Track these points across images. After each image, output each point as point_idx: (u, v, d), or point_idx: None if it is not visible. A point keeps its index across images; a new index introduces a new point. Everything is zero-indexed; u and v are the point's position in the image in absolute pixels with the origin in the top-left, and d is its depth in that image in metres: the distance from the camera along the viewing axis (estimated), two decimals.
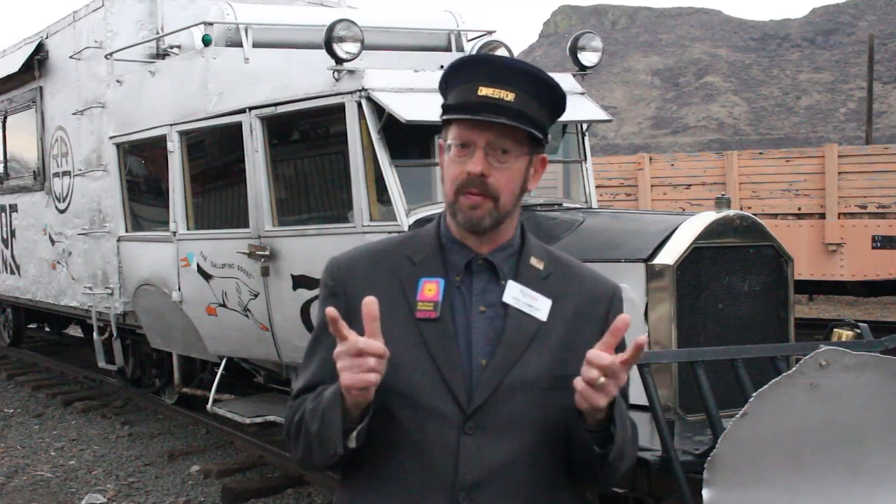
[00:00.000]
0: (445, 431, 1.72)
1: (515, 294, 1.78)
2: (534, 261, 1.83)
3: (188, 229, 6.52)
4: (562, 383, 1.72)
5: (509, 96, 1.72)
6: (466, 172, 1.72)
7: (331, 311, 1.59)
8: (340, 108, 5.27)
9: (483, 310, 1.77)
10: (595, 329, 1.81)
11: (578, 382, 1.62)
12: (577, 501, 1.84)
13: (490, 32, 6.95)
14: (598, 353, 1.60)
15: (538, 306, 1.78)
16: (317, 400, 1.74)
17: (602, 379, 1.59)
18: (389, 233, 4.89)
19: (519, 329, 1.76)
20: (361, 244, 1.92)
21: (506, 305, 1.77)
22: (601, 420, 1.68)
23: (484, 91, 1.72)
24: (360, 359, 1.58)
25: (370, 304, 1.60)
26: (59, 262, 8.83)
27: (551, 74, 1.82)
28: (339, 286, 1.82)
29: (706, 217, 4.41)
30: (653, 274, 4.30)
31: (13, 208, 10.10)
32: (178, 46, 7.26)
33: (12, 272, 10.18)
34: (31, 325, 12.45)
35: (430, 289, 1.77)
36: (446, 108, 1.76)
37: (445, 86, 1.80)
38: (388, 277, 1.79)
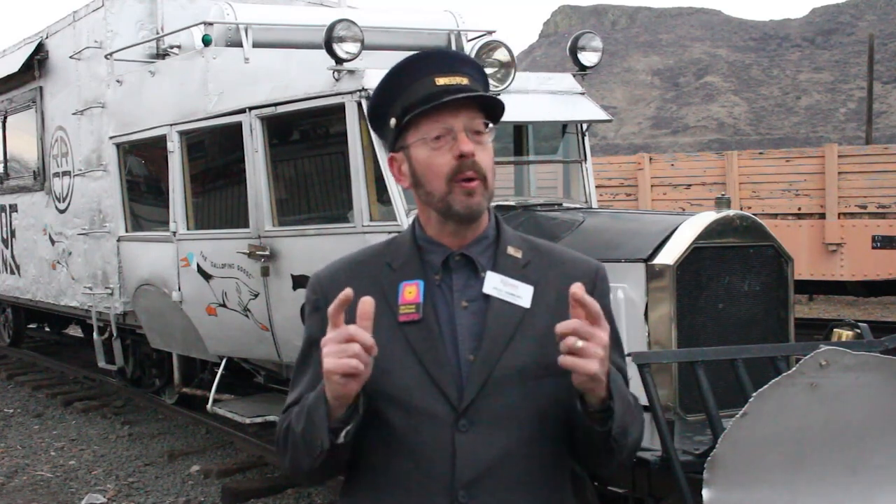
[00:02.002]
0: (439, 431, 1.72)
1: (496, 284, 1.77)
2: (511, 250, 1.82)
3: (188, 229, 6.52)
4: (551, 370, 1.71)
5: (464, 81, 1.77)
6: (458, 156, 1.73)
7: (347, 292, 1.60)
8: (340, 108, 5.27)
9: (465, 305, 1.77)
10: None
11: (563, 359, 1.60)
12: (576, 491, 1.84)
13: (490, 32, 6.94)
14: (563, 323, 1.60)
15: (520, 294, 1.77)
16: (302, 404, 1.75)
17: (579, 342, 1.57)
18: (389, 233, 4.89)
19: (502, 319, 1.75)
20: (343, 256, 1.91)
21: (488, 298, 1.76)
22: (603, 399, 1.67)
23: (442, 80, 1.75)
24: (347, 344, 1.58)
25: (367, 302, 1.60)
26: (59, 262, 8.83)
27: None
28: (322, 300, 1.81)
29: (706, 217, 4.41)
30: (653, 274, 4.30)
31: (13, 208, 10.10)
32: (178, 46, 7.26)
33: (12, 272, 10.18)
34: (31, 325, 12.44)
35: (411, 291, 1.77)
36: (409, 108, 1.76)
37: (390, 92, 1.79)
38: (369, 286, 1.78)
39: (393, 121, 1.80)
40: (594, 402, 1.67)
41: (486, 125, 1.78)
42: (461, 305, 1.77)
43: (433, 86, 1.74)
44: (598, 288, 1.85)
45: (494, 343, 1.74)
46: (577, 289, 1.60)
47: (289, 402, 1.84)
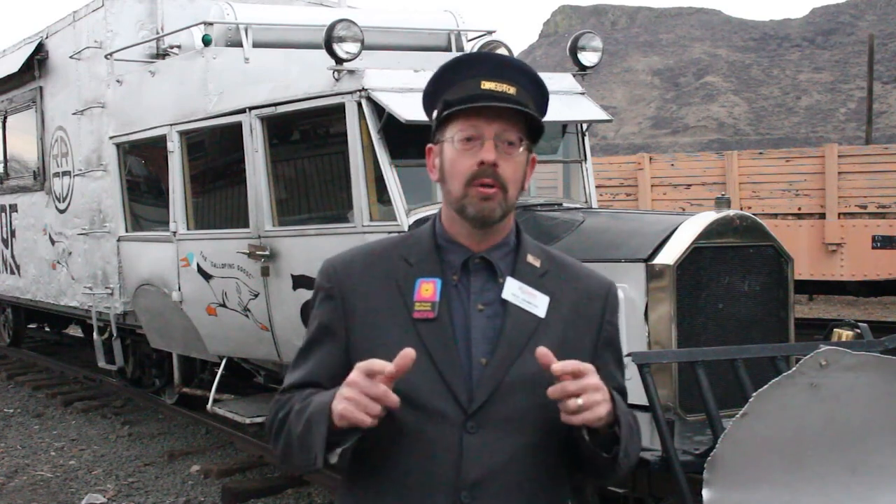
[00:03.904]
0: (447, 431, 1.72)
1: (514, 290, 1.78)
2: (530, 258, 1.83)
3: (188, 229, 6.52)
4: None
5: (511, 90, 1.75)
6: (479, 162, 1.73)
7: (409, 351, 1.58)
8: (340, 108, 5.27)
9: (481, 308, 1.77)
10: (591, 326, 1.83)
11: (570, 419, 1.62)
12: (577, 497, 1.85)
13: (490, 32, 6.95)
14: (553, 388, 1.61)
15: (536, 303, 1.78)
16: (305, 402, 1.73)
17: (578, 401, 1.60)
18: (389, 233, 4.90)
19: (518, 326, 1.76)
20: (356, 246, 1.92)
21: (504, 303, 1.77)
22: (609, 423, 1.68)
23: (487, 85, 1.75)
24: (370, 401, 1.58)
25: (408, 356, 1.59)
26: (59, 262, 8.83)
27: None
28: (336, 288, 1.81)
29: (706, 217, 4.41)
30: (653, 274, 4.30)
31: (13, 208, 10.10)
32: (178, 46, 7.26)
33: (12, 272, 10.18)
34: (31, 325, 12.44)
35: (427, 289, 1.76)
36: (449, 104, 1.77)
37: (438, 85, 1.82)
38: (384, 279, 1.79)
39: (435, 113, 1.82)
40: (601, 429, 1.68)
41: (521, 139, 1.76)
42: (477, 308, 1.77)
43: (477, 88, 1.75)
44: (610, 305, 1.87)
45: (510, 348, 1.75)
46: (543, 356, 1.61)
47: (289, 384, 1.84)
